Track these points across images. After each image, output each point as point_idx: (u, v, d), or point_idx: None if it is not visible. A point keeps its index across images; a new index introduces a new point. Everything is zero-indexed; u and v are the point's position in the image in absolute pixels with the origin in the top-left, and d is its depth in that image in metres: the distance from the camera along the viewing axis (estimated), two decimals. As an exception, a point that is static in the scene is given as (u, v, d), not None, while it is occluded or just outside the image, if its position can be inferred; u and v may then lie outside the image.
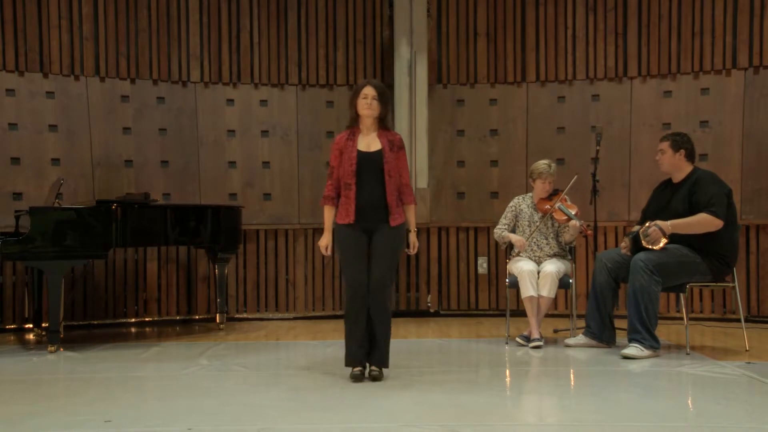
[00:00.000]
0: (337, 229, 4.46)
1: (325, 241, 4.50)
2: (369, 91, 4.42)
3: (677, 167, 5.32)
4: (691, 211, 5.11)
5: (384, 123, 4.50)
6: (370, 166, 4.39)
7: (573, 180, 5.85)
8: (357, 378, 4.37)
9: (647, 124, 7.18)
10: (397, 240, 4.45)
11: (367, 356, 4.44)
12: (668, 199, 5.30)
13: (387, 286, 4.43)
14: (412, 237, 4.53)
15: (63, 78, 6.94)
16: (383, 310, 4.41)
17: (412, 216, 4.52)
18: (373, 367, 4.44)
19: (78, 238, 5.52)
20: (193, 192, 7.25)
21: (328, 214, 4.50)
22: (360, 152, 4.41)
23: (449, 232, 7.51)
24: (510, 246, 5.90)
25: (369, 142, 4.45)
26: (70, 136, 6.94)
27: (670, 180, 5.42)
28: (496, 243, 6.07)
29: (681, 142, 5.31)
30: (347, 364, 4.45)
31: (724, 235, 5.12)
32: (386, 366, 4.49)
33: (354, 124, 4.50)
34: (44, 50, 6.89)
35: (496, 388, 4.46)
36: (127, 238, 5.77)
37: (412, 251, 4.55)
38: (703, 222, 5.06)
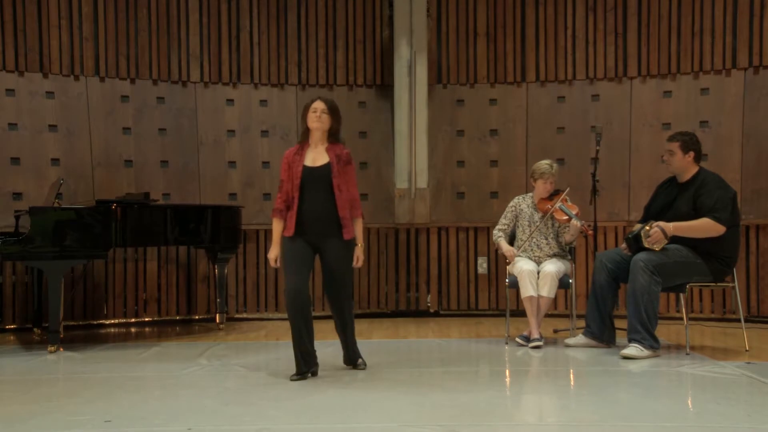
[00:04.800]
0: (282, 241, 4.53)
1: (273, 254, 4.57)
2: (318, 105, 4.52)
3: (685, 168, 5.30)
4: (695, 213, 5.10)
5: (335, 138, 4.56)
6: (316, 180, 4.46)
7: (566, 191, 5.82)
8: (297, 379, 4.48)
9: (647, 124, 7.18)
10: (349, 254, 4.54)
11: (312, 363, 4.54)
12: (672, 199, 5.28)
13: (349, 299, 4.61)
14: (359, 250, 4.60)
15: (63, 78, 6.94)
16: (349, 316, 4.66)
17: (359, 229, 4.60)
18: (360, 362, 4.76)
19: (78, 238, 5.52)
20: (193, 192, 7.25)
21: (276, 227, 4.56)
22: (305, 167, 4.48)
23: (449, 232, 7.51)
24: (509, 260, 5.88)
25: (315, 156, 4.51)
26: (70, 136, 6.94)
27: (674, 178, 5.40)
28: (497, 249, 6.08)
29: (690, 144, 5.27)
30: (294, 375, 4.50)
31: (726, 237, 5.10)
32: (361, 357, 4.80)
33: (304, 138, 4.58)
34: (44, 50, 6.89)
35: (496, 388, 4.46)
36: (127, 238, 5.78)
37: (357, 264, 4.61)
38: (705, 227, 5.05)
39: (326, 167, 4.47)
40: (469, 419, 3.63)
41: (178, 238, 6.16)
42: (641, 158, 7.11)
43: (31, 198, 6.65)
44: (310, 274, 4.55)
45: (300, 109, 7.32)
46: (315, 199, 4.45)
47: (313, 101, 4.56)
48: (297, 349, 4.51)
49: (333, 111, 4.54)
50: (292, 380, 4.46)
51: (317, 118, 4.49)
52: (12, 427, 3.56)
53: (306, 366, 4.51)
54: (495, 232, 5.92)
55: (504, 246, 5.80)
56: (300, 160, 4.49)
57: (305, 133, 4.58)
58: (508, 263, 5.79)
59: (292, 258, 4.46)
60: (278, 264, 4.56)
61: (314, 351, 4.56)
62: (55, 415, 3.77)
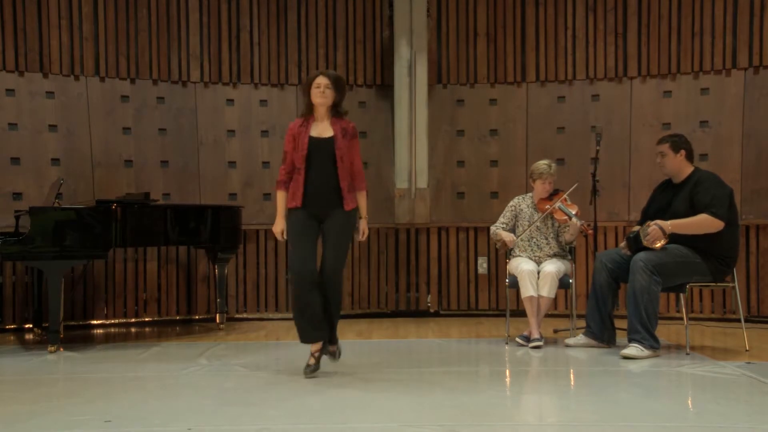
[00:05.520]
0: (287, 214, 4.54)
1: (279, 227, 4.57)
2: (321, 81, 4.51)
3: (678, 168, 5.31)
4: (693, 212, 5.11)
5: (338, 111, 4.57)
6: (321, 151, 4.47)
7: (573, 186, 5.84)
8: (312, 370, 4.48)
9: (647, 124, 7.18)
10: (349, 225, 4.55)
11: (323, 330, 4.51)
12: (669, 200, 5.30)
13: (340, 270, 4.55)
14: (363, 223, 4.62)
15: (63, 78, 6.94)
16: (337, 293, 4.56)
17: (363, 202, 4.62)
18: (331, 347, 4.64)
19: (78, 238, 5.52)
20: (193, 192, 7.25)
21: (281, 199, 4.59)
22: (312, 138, 4.49)
23: (449, 232, 7.50)
24: (507, 246, 5.88)
25: (322, 129, 4.53)
26: (70, 136, 6.94)
27: (670, 180, 5.41)
28: (495, 244, 6.07)
29: (680, 143, 5.31)
30: (303, 341, 4.52)
31: (725, 236, 5.11)
32: (336, 342, 4.67)
33: (309, 112, 4.58)
34: (44, 50, 6.89)
35: (496, 388, 4.47)
36: (127, 238, 5.78)
37: (362, 237, 4.64)
38: (703, 223, 5.06)
39: (331, 140, 4.49)
40: (469, 419, 3.63)
41: (178, 238, 6.16)
42: (641, 158, 7.11)
43: (31, 198, 6.65)
44: (316, 250, 4.52)
45: (300, 109, 7.37)
46: (320, 170, 4.47)
47: (315, 76, 4.54)
48: (302, 318, 4.44)
49: (337, 85, 4.53)
50: (307, 375, 4.45)
51: (321, 93, 4.49)
52: (12, 427, 3.56)
53: (315, 332, 4.44)
54: (492, 227, 5.91)
55: (504, 233, 5.78)
56: (306, 132, 4.51)
57: (309, 108, 4.57)
58: (511, 251, 5.77)
59: (299, 234, 4.46)
60: (284, 237, 4.56)
61: (325, 324, 4.49)
62: (55, 415, 3.77)
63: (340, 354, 4.70)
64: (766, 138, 6.83)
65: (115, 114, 7.10)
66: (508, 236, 5.75)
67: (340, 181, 4.47)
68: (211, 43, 7.34)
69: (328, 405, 3.92)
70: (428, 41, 7.33)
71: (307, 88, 4.55)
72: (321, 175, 4.47)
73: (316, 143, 4.48)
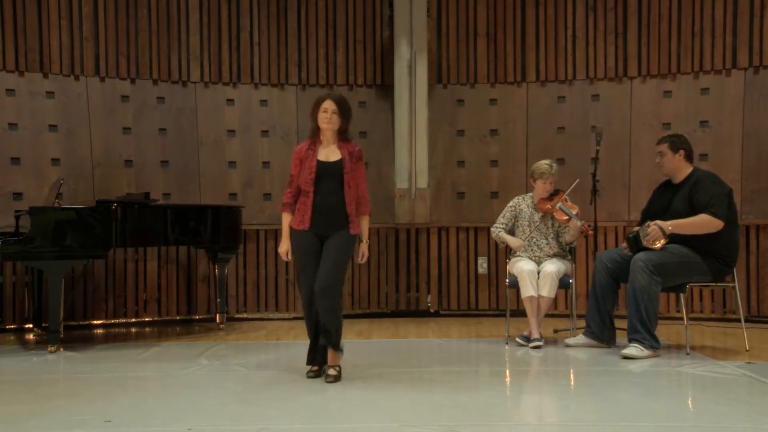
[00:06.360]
0: (292, 234, 4.55)
1: (284, 248, 4.60)
2: (329, 105, 4.50)
3: (677, 168, 5.32)
4: (692, 212, 5.12)
5: (344, 135, 4.58)
6: (329, 175, 4.48)
7: (574, 183, 5.85)
8: (314, 375, 4.54)
9: (647, 124, 7.18)
10: (348, 245, 4.52)
11: (325, 358, 4.57)
12: (669, 200, 5.30)
13: (334, 290, 4.42)
14: (364, 247, 4.62)
15: (63, 78, 6.94)
16: (330, 311, 4.42)
17: (365, 226, 4.63)
18: (329, 371, 4.49)
19: (78, 238, 5.52)
20: (193, 192, 7.25)
21: (286, 221, 4.60)
22: (320, 162, 4.50)
23: (449, 232, 7.51)
24: (509, 247, 5.90)
25: (329, 152, 4.54)
26: (70, 136, 6.94)
27: (669, 181, 5.42)
28: (496, 243, 6.07)
29: (679, 143, 5.31)
30: (307, 363, 4.63)
31: (724, 236, 5.12)
32: (337, 368, 4.51)
33: (315, 135, 4.59)
34: (44, 50, 6.89)
35: (496, 388, 4.47)
36: (127, 238, 5.78)
37: (362, 260, 4.63)
38: (703, 222, 5.06)
39: (339, 163, 4.50)
40: (469, 419, 3.63)
41: (178, 238, 6.16)
42: (641, 158, 7.11)
43: (31, 198, 6.65)
44: None
45: (300, 109, 7.41)
46: (327, 193, 4.47)
47: (323, 99, 4.52)
48: (312, 345, 4.59)
49: (343, 111, 4.53)
50: (308, 377, 4.51)
51: (328, 119, 4.49)
52: (12, 427, 3.56)
53: (321, 359, 4.57)
54: (493, 229, 5.91)
55: (509, 237, 5.79)
56: (313, 155, 4.51)
57: (315, 130, 4.58)
58: (515, 253, 5.78)
59: (304, 256, 4.49)
60: (289, 257, 4.58)
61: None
62: (55, 415, 3.77)
63: (337, 378, 4.46)
64: (766, 138, 6.83)
65: (115, 114, 7.10)
66: (515, 242, 5.75)
67: (347, 205, 4.48)
68: (211, 43, 7.34)
69: (328, 405, 3.92)
70: (428, 41, 7.33)
71: (314, 111, 4.55)
72: (328, 198, 4.47)
73: (323, 167, 4.49)
